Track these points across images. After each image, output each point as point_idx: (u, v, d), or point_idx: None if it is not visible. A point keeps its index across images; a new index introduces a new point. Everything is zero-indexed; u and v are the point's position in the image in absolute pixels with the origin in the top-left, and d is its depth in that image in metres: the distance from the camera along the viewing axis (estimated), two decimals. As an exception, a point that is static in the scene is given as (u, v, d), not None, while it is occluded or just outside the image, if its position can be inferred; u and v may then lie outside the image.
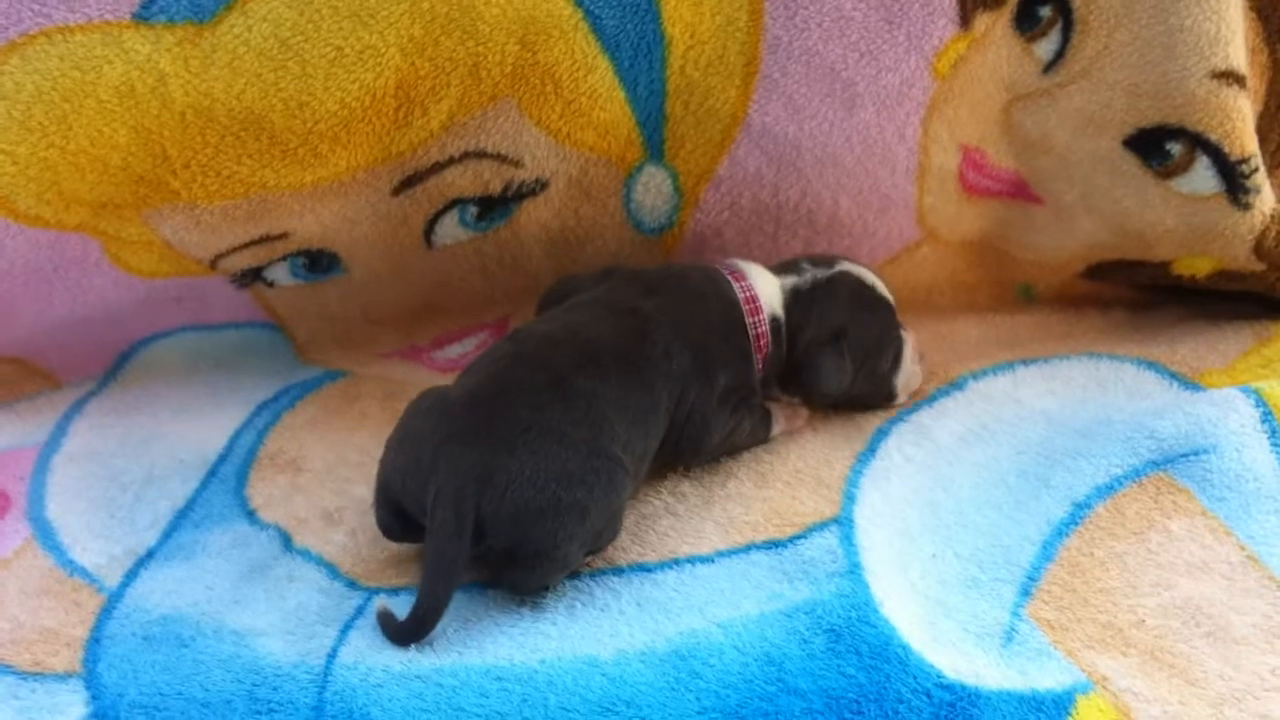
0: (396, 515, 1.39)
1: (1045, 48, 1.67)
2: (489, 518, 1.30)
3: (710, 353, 1.50)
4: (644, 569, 1.41)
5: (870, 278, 1.64)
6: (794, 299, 1.59)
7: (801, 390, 1.62)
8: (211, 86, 1.52)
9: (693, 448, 1.52)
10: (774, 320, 1.57)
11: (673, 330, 1.48)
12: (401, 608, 1.33)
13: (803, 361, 1.58)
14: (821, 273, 1.61)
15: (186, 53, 1.50)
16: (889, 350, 1.63)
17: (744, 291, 1.56)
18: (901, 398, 1.67)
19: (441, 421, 1.35)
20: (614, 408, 1.39)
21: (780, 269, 1.63)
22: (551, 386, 1.37)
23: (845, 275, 1.63)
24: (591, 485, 1.33)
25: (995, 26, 1.65)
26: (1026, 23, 1.66)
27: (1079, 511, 1.44)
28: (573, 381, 1.38)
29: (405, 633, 1.30)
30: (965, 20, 1.64)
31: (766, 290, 1.58)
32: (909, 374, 1.67)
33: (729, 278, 1.58)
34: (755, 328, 1.55)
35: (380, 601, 1.30)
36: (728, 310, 1.55)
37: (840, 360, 1.57)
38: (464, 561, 1.30)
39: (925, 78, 1.67)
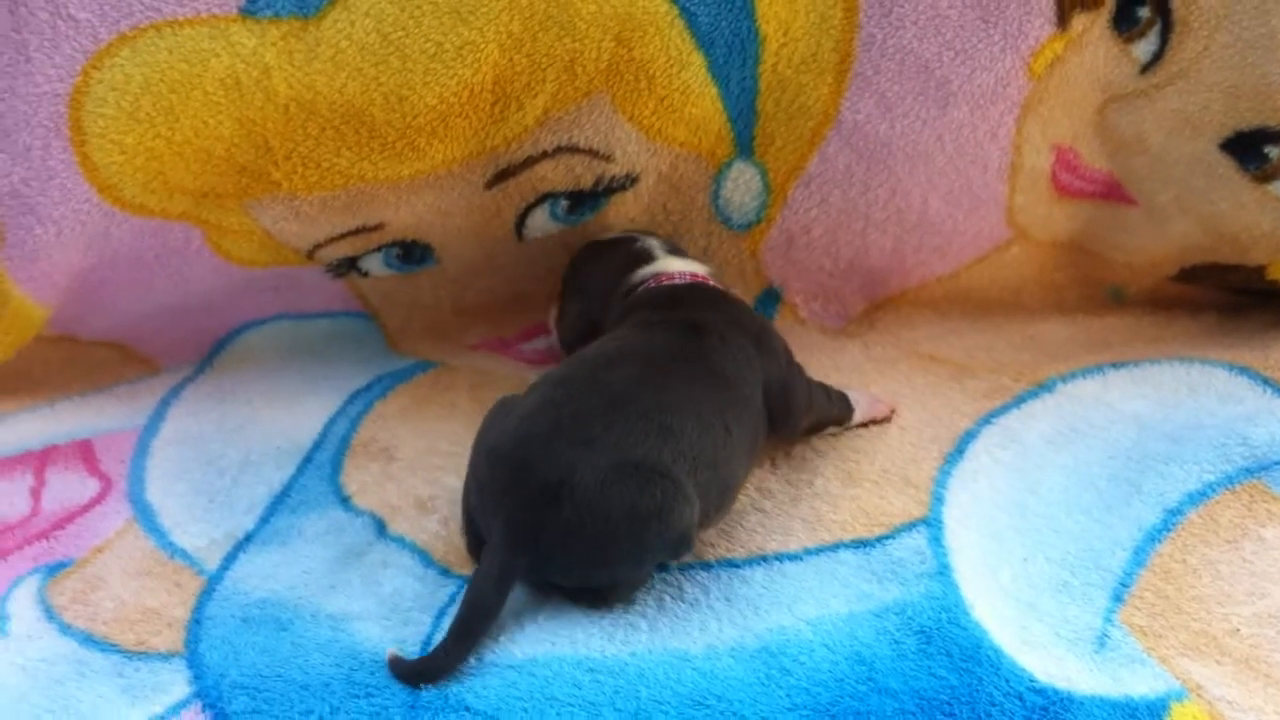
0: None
1: (1143, 48, 1.65)
2: (543, 567, 1.31)
3: (751, 329, 1.51)
4: (732, 565, 1.41)
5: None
6: (679, 252, 1.71)
7: None
8: (314, 80, 1.55)
9: (786, 419, 1.52)
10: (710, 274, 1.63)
11: (718, 330, 1.49)
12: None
13: None
14: (642, 238, 1.72)
15: (291, 46, 1.53)
16: None
17: (684, 277, 1.61)
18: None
19: (500, 467, 1.34)
20: (681, 414, 1.36)
21: (640, 259, 1.67)
22: (605, 412, 1.35)
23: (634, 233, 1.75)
24: (641, 530, 1.30)
25: (1093, 27, 1.64)
26: (1125, 23, 1.64)
27: (1171, 518, 1.42)
28: (628, 400, 1.36)
29: (418, 673, 1.27)
30: (1062, 20, 1.62)
31: (682, 265, 1.64)
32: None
33: (666, 282, 1.60)
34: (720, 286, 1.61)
35: (391, 651, 1.29)
36: (710, 290, 1.59)
37: None
38: (498, 612, 1.30)
39: (1020, 77, 1.66)
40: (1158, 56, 1.65)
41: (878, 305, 1.91)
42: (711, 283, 1.61)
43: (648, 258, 1.65)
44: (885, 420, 1.64)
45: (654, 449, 1.33)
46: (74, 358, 1.86)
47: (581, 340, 1.60)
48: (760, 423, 1.47)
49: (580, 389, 1.38)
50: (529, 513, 1.30)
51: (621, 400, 1.36)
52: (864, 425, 1.64)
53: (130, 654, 1.34)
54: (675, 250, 1.70)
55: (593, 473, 1.30)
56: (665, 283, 1.59)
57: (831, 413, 1.60)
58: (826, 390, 1.59)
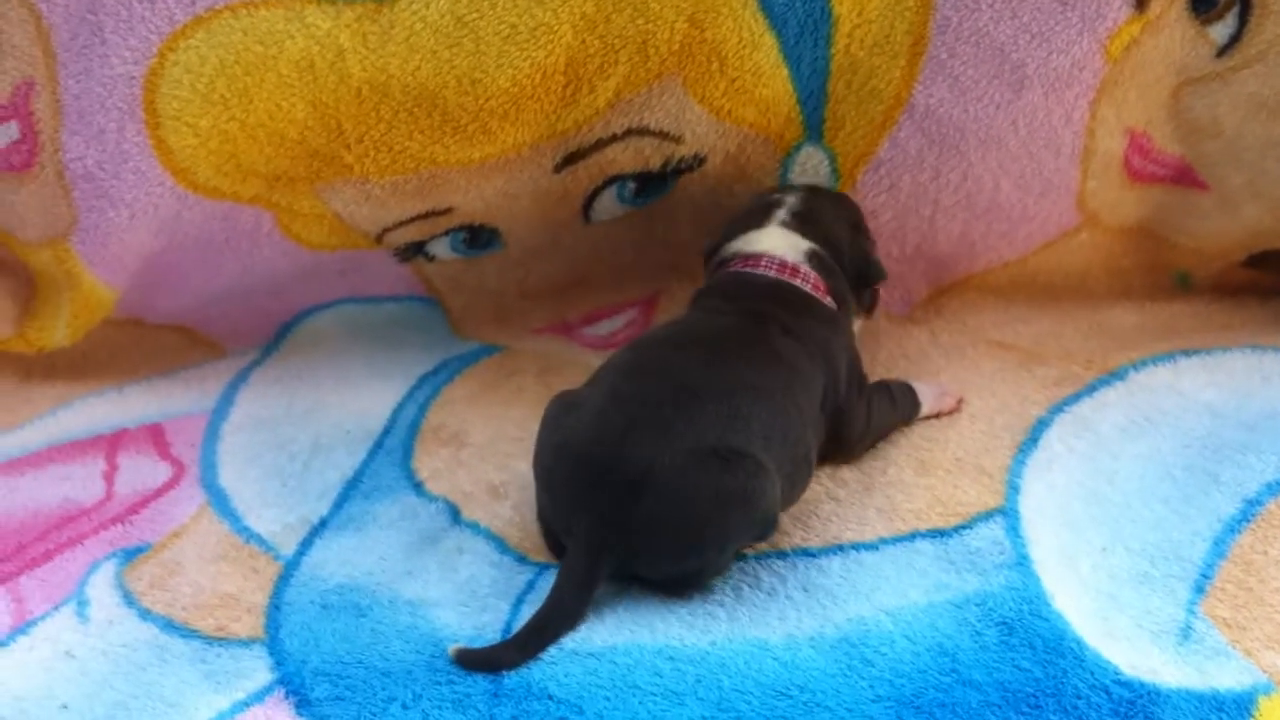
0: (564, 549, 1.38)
1: (1220, 31, 1.63)
2: (629, 561, 1.31)
3: (816, 336, 1.49)
4: (808, 554, 1.41)
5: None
6: (800, 222, 1.59)
7: (864, 287, 1.62)
8: (388, 63, 1.54)
9: (841, 443, 1.51)
10: (811, 255, 1.56)
11: (780, 323, 1.47)
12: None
13: (859, 267, 1.59)
14: (796, 192, 1.64)
15: (365, 29, 1.53)
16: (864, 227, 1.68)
17: (769, 268, 1.55)
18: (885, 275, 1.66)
19: (574, 465, 1.34)
20: (750, 398, 1.36)
21: (759, 217, 1.61)
22: (677, 398, 1.34)
23: (808, 185, 1.68)
24: (726, 512, 1.31)
25: (1170, 9, 1.61)
26: (1202, 5, 1.62)
27: (1250, 508, 1.40)
28: (698, 384, 1.36)
29: (486, 661, 1.27)
30: (1140, 2, 1.60)
31: (782, 245, 1.57)
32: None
33: (747, 269, 1.56)
34: (806, 281, 1.54)
35: (455, 646, 1.29)
36: (786, 289, 1.53)
37: (871, 240, 1.63)
38: (584, 609, 1.30)
39: (1097, 60, 1.63)
40: (1235, 39, 1.63)
41: (942, 291, 1.88)
42: (798, 281, 1.55)
43: (757, 222, 1.60)
44: (953, 412, 1.63)
45: (729, 431, 1.33)
46: (141, 341, 1.87)
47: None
48: (818, 405, 1.46)
49: (649, 377, 1.38)
50: (612, 509, 1.29)
51: (691, 386, 1.35)
52: (933, 417, 1.63)
53: (211, 640, 1.35)
54: (800, 216, 1.60)
55: (673, 460, 1.29)
56: (745, 269, 1.56)
57: (895, 421, 1.59)
58: (891, 396, 1.57)
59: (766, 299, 1.51)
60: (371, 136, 1.60)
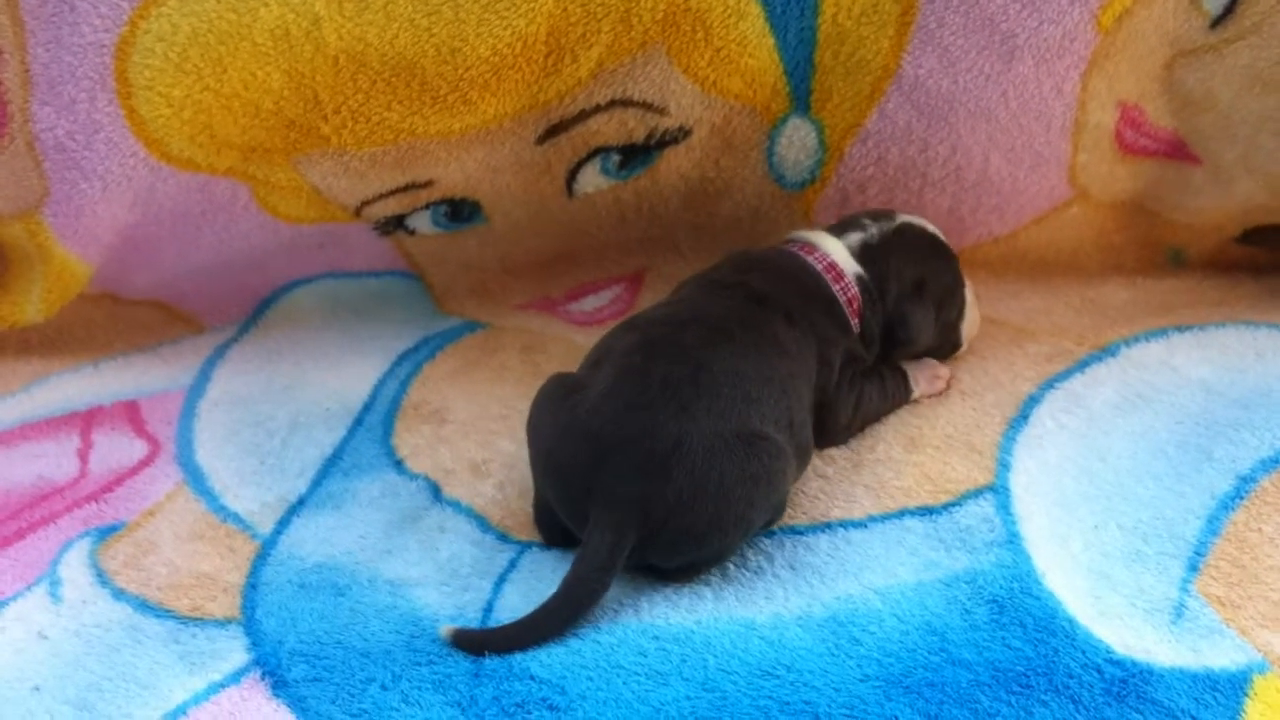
0: (562, 531, 1.36)
1: (1214, 2, 1.61)
2: (649, 545, 1.27)
3: (819, 330, 1.47)
4: (796, 532, 1.39)
5: (932, 227, 1.61)
6: (866, 254, 1.54)
7: (890, 346, 1.56)
8: (365, 31, 1.52)
9: (824, 432, 1.49)
10: (860, 279, 1.52)
11: (785, 309, 1.45)
12: (552, 564, 1.32)
13: (892, 318, 1.54)
14: (886, 225, 1.58)
15: None
16: (958, 298, 1.61)
17: (820, 261, 1.52)
18: (965, 346, 1.64)
19: (588, 444, 1.30)
20: (757, 383, 1.35)
21: (841, 228, 1.58)
22: (693, 378, 1.32)
23: (910, 225, 1.59)
24: (752, 493, 1.29)
25: (1164, -22, 1.60)
26: (1196, -25, 1.60)
27: (1244, 485, 1.39)
28: (712, 365, 1.34)
29: (508, 638, 1.25)
30: (1133, -29, 1.58)
31: (839, 254, 1.53)
32: (971, 321, 1.64)
33: (800, 253, 1.53)
34: (844, 293, 1.51)
35: (447, 627, 1.27)
36: (817, 284, 1.50)
37: (927, 311, 1.55)
38: (602, 595, 1.27)
39: (1088, 31, 1.61)
40: (1229, 10, 1.61)
41: (932, 267, 1.86)
42: (837, 287, 1.51)
43: (835, 230, 1.58)
44: (943, 392, 1.61)
45: (747, 414, 1.32)
46: (117, 317, 1.85)
47: None
48: (813, 388, 1.44)
49: (661, 358, 1.35)
50: (637, 488, 1.26)
51: (703, 365, 1.33)
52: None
53: (186, 620, 1.33)
54: (868, 249, 1.55)
55: (700, 440, 1.27)
56: (792, 250, 1.54)
57: (885, 409, 1.56)
58: (883, 385, 1.55)
59: (787, 282, 1.49)
60: (349, 107, 1.57)
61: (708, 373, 1.33)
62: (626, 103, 1.65)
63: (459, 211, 1.77)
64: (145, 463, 1.59)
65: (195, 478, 1.56)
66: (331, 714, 1.19)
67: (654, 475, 1.26)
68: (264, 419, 1.65)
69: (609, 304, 1.85)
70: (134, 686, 1.24)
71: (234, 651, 1.28)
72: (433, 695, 1.20)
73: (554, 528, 1.37)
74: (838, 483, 1.46)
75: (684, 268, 1.62)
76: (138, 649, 1.28)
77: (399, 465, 1.55)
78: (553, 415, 1.36)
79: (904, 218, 1.60)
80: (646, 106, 1.65)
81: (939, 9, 1.60)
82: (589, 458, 1.29)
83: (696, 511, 1.27)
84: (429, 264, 1.89)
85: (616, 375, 1.34)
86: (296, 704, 1.20)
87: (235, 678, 1.24)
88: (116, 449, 1.62)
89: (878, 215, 1.60)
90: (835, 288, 1.50)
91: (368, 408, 1.66)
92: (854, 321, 1.51)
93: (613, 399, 1.32)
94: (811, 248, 1.53)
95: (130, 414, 1.68)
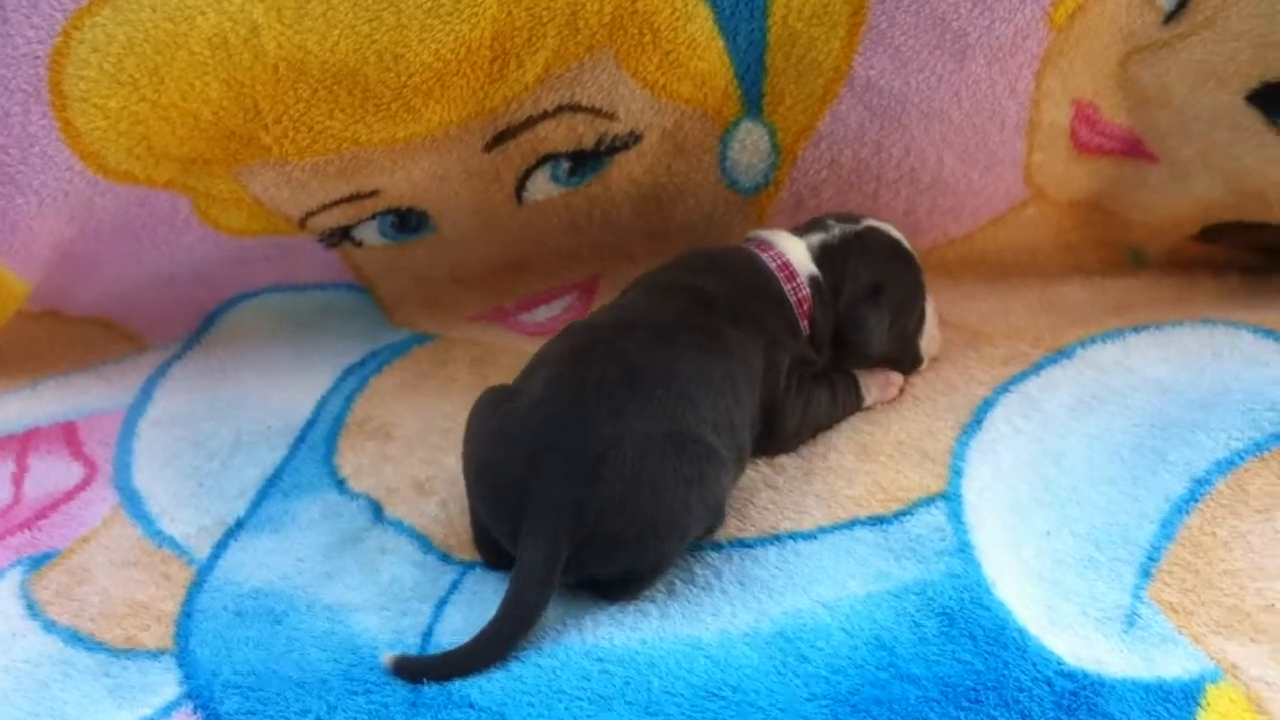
0: (498, 550, 1.33)
1: (1168, -4, 1.59)
2: (584, 553, 1.25)
3: (767, 330, 1.45)
4: (744, 545, 1.37)
5: (897, 233, 1.59)
6: (825, 255, 1.52)
7: (842, 351, 1.54)
8: (305, 39, 1.49)
9: (772, 439, 1.47)
10: (812, 280, 1.50)
11: (731, 309, 1.43)
12: (494, 585, 1.30)
13: (844, 320, 1.52)
14: (850, 228, 1.55)
15: (280, 3, 1.48)
16: (916, 309, 1.59)
17: (774, 260, 1.50)
18: (925, 362, 1.62)
19: (518, 451, 1.28)
20: (694, 384, 1.33)
21: (805, 229, 1.56)
22: (625, 382, 1.30)
23: (875, 229, 1.57)
24: (686, 496, 1.27)
25: (1115, -26, 1.58)
26: (1147, -31, 1.58)
27: (1199, 488, 1.37)
28: (646, 366, 1.32)
29: (451, 664, 1.22)
30: (1083, -33, 1.56)
31: (795, 253, 1.51)
32: (931, 336, 1.62)
33: (755, 251, 1.51)
34: (795, 292, 1.49)
35: (388, 655, 1.24)
36: (767, 283, 1.48)
37: (882, 315, 1.53)
38: (544, 610, 1.24)
39: (1041, 28, 1.59)
40: (1182, 5, 1.59)
41: (888, 270, 1.85)
42: (788, 286, 1.49)
43: (798, 230, 1.56)
44: (896, 399, 1.60)
45: (680, 416, 1.30)
46: (58, 335, 1.82)
47: None
48: (758, 392, 1.43)
49: (593, 362, 1.33)
50: (568, 494, 1.24)
51: (637, 368, 1.31)
52: (875, 406, 1.60)
53: (117, 652, 1.30)
54: (827, 250, 1.53)
55: (630, 444, 1.26)
56: (748, 249, 1.52)
57: (835, 416, 1.54)
58: (833, 392, 1.53)
59: (735, 281, 1.47)
60: (290, 116, 1.55)
61: (642, 375, 1.31)
62: (575, 108, 1.63)
63: (407, 222, 1.75)
64: (81, 487, 1.56)
65: (132, 501, 1.53)
66: (264, 749, 1.17)
67: (585, 480, 1.24)
68: (205, 439, 1.62)
69: (562, 313, 1.82)
70: (62, 724, 1.22)
71: (166, 684, 1.25)
72: (368, 726, 1.18)
73: (493, 547, 1.34)
74: (788, 493, 1.44)
75: (637, 275, 1.59)
76: (67, 683, 1.26)
77: (341, 485, 1.52)
78: (484, 425, 1.34)
79: (870, 222, 1.58)
80: (595, 112, 1.63)
81: (889, 9, 1.58)
82: (520, 467, 1.27)
83: (629, 515, 1.24)
84: (378, 276, 1.87)
85: (548, 381, 1.32)
86: (229, 739, 1.19)
87: (166, 712, 1.22)
88: (52, 473, 1.59)
89: (844, 218, 1.58)
90: (786, 287, 1.48)
91: (310, 425, 1.64)
92: (803, 323, 1.49)
93: (544, 405, 1.30)
94: (768, 245, 1.51)
95: (68, 436, 1.66)
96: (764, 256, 1.50)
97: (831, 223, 1.56)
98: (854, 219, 1.58)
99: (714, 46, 1.60)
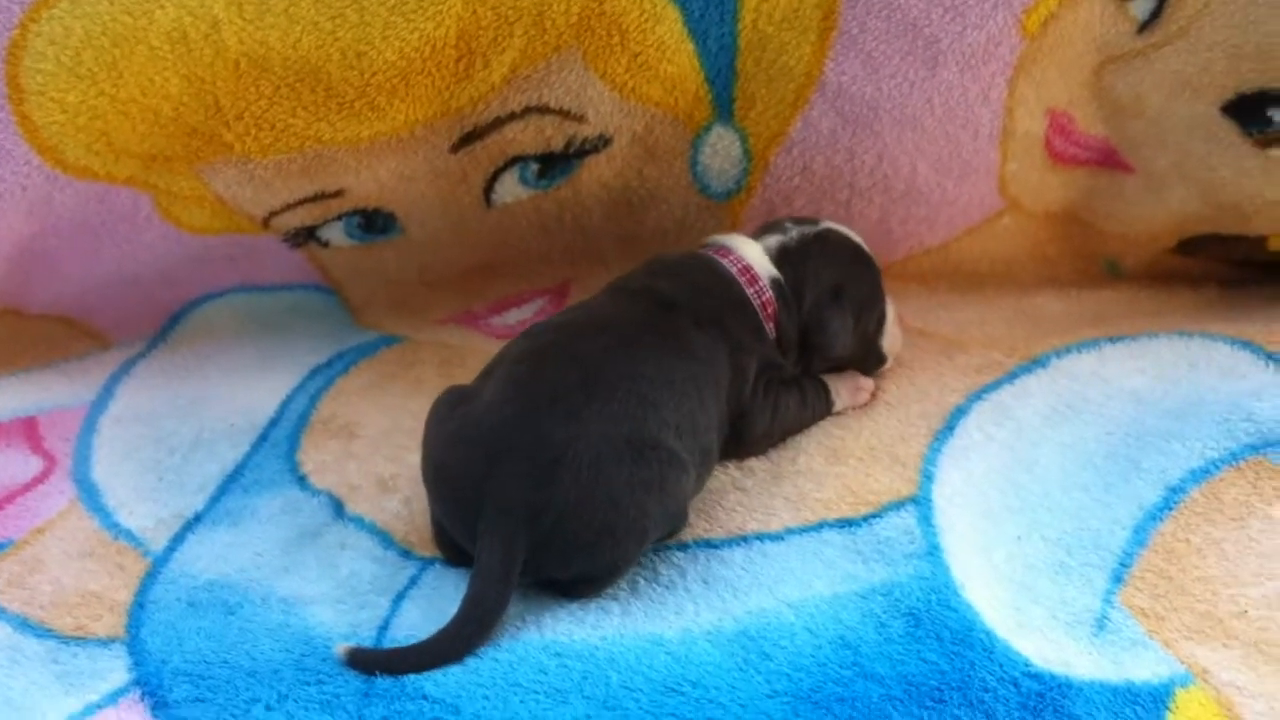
0: (458, 547, 1.31)
1: (1141, 6, 1.59)
2: (541, 555, 1.23)
3: (732, 334, 1.43)
4: (710, 545, 1.36)
5: (856, 237, 1.59)
6: (783, 257, 1.51)
7: (807, 353, 1.53)
8: (266, 35, 1.48)
9: (741, 443, 1.46)
10: (774, 283, 1.49)
11: (694, 313, 1.42)
12: (455, 581, 1.29)
13: (808, 323, 1.51)
14: (807, 230, 1.55)
15: None
16: (877, 309, 1.58)
17: (734, 265, 1.49)
18: (889, 362, 1.61)
19: (475, 452, 1.26)
20: (656, 386, 1.31)
21: (761, 231, 1.56)
22: (584, 384, 1.29)
23: (833, 231, 1.57)
24: (644, 501, 1.26)
25: (1088, -18, 1.58)
26: (1120, -22, 1.58)
27: (1173, 496, 1.36)
28: (606, 369, 1.31)
29: (407, 660, 1.21)
30: (1056, -26, 1.56)
31: (754, 256, 1.50)
32: (893, 336, 1.61)
33: (714, 256, 1.50)
34: (759, 295, 1.48)
35: (343, 646, 1.22)
36: (729, 287, 1.47)
37: (846, 317, 1.52)
38: (503, 610, 1.23)
39: (1013, 35, 1.59)
40: (1156, 15, 1.59)
41: (863, 280, 1.84)
42: (750, 290, 1.47)
43: (754, 233, 1.56)
44: (866, 404, 1.59)
45: (641, 420, 1.28)
46: (19, 332, 1.80)
47: None
48: (723, 401, 1.41)
49: (552, 363, 1.32)
50: (525, 495, 1.23)
51: (596, 371, 1.30)
52: (845, 411, 1.59)
53: (67, 639, 1.29)
54: (786, 252, 1.52)
55: (587, 447, 1.24)
56: (706, 254, 1.51)
57: (804, 420, 1.53)
58: (802, 396, 1.51)
59: (698, 286, 1.46)
60: (252, 113, 1.54)
61: (600, 378, 1.29)
62: (543, 110, 1.62)
63: (373, 223, 1.74)
64: (39, 479, 1.55)
65: (90, 494, 1.52)
66: (210, 735, 1.15)
67: (541, 482, 1.23)
68: (166, 435, 1.61)
69: (533, 317, 1.81)
70: (7, 709, 1.20)
71: (114, 671, 1.24)
72: (319, 715, 1.16)
73: (453, 545, 1.32)
74: (756, 495, 1.42)
75: (609, 279, 1.59)
76: (14, 669, 1.25)
77: (302, 481, 1.51)
78: (439, 426, 1.32)
79: (827, 224, 1.57)
80: (564, 114, 1.63)
81: (860, 14, 1.58)
82: (476, 468, 1.25)
83: (585, 519, 1.23)
84: (345, 277, 1.85)
85: (505, 383, 1.31)
86: (175, 725, 1.17)
87: (113, 698, 1.20)
88: (10, 466, 1.57)
89: (801, 220, 1.57)
90: (749, 291, 1.47)
91: (274, 423, 1.63)
92: (769, 326, 1.47)
93: (500, 407, 1.28)
94: (727, 251, 1.50)
95: (28, 430, 1.64)
96: (724, 261, 1.49)
97: (789, 225, 1.55)
98: (811, 221, 1.57)
99: (684, 49, 1.59)
